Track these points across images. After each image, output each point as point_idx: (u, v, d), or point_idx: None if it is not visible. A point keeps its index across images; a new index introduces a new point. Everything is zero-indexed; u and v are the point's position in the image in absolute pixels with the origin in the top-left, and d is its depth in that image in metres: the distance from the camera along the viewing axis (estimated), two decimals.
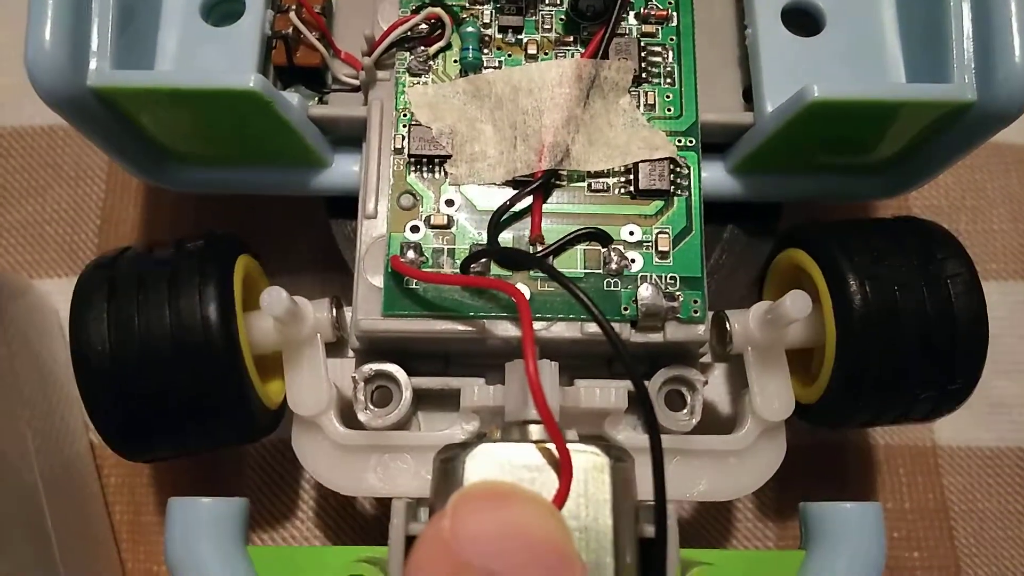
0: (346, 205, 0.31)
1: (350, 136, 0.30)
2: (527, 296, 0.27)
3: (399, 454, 0.27)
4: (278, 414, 0.29)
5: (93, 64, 0.26)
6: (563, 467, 0.22)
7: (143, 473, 0.35)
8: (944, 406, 0.28)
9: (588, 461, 0.23)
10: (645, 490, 0.24)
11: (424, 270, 0.27)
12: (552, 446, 0.23)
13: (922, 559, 0.35)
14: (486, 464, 0.23)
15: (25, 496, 0.30)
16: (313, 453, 0.27)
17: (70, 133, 0.39)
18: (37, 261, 0.38)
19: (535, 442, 0.23)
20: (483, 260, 0.27)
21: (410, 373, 0.28)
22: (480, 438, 0.27)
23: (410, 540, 0.24)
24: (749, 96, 0.30)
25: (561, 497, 0.22)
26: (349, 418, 0.28)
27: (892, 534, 0.35)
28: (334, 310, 0.28)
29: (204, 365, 0.25)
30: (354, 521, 0.34)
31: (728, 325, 0.28)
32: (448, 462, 0.24)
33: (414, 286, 0.27)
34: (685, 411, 0.28)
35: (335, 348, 0.29)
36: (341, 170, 0.31)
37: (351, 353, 0.29)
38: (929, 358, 0.27)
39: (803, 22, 0.30)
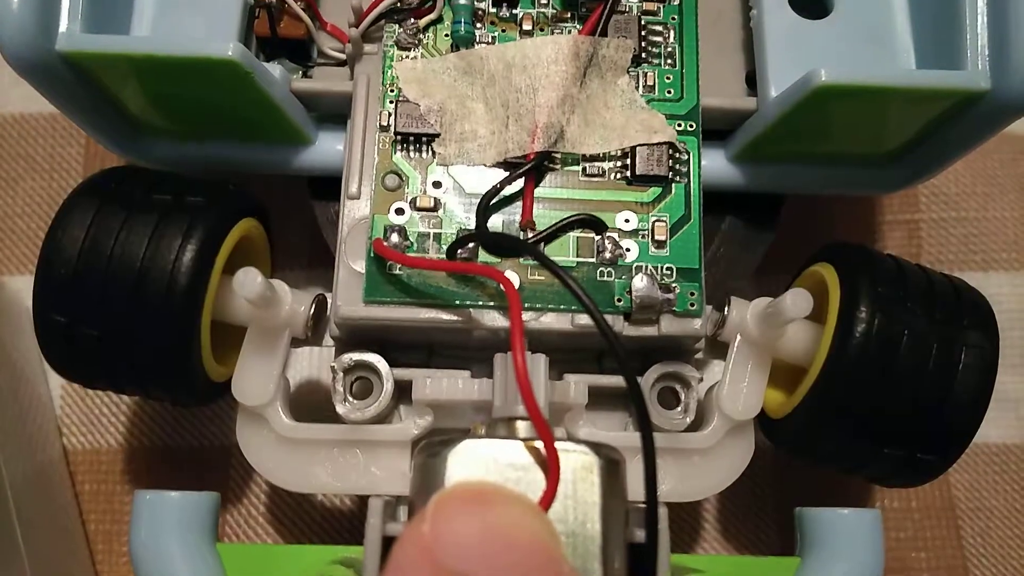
0: (330, 187, 0.29)
1: (335, 112, 0.29)
2: (516, 284, 0.26)
3: (349, 449, 0.26)
4: (221, 387, 0.28)
5: (63, 26, 0.25)
6: (550, 467, 0.21)
7: (119, 480, 0.34)
8: (904, 477, 0.27)
9: (577, 461, 0.22)
10: (634, 490, 0.23)
11: (408, 255, 0.26)
12: (540, 444, 0.21)
13: (928, 560, 0.34)
14: (469, 462, 0.22)
15: None
16: (257, 446, 0.26)
17: (44, 122, 0.37)
18: (7, 257, 0.36)
19: (522, 439, 0.22)
20: (471, 245, 0.26)
21: (392, 363, 0.27)
22: (464, 433, 0.26)
23: (388, 541, 0.23)
24: (752, 81, 0.29)
25: (548, 499, 0.21)
26: (299, 410, 0.27)
27: (898, 534, 0.34)
28: (313, 308, 0.26)
29: (159, 313, 0.24)
30: (342, 519, 0.33)
31: (727, 309, 0.27)
32: (429, 459, 0.22)
33: (398, 271, 0.26)
34: (679, 409, 0.27)
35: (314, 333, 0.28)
36: (325, 148, 0.29)
37: (330, 341, 0.27)
38: (910, 420, 0.25)
39: (810, 4, 0.29)
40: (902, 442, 0.25)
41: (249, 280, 0.24)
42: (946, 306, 0.26)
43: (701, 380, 0.27)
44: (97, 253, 0.25)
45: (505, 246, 0.26)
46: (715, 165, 0.29)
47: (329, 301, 0.27)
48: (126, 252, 0.24)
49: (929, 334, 0.25)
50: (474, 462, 0.22)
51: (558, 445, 0.21)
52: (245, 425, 0.27)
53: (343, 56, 0.29)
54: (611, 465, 0.22)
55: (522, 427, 0.23)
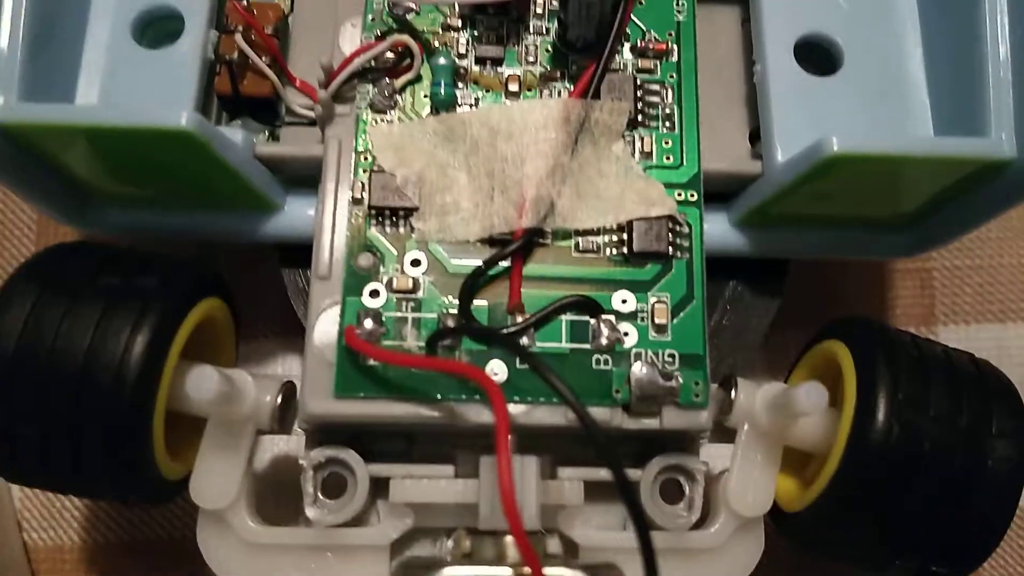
0: (301, 252, 0.27)
1: (306, 175, 0.27)
2: (504, 376, 0.24)
3: (320, 555, 0.24)
4: (180, 485, 0.25)
5: None
6: None
7: None
8: (954, 559, 0.25)
9: None
10: None
11: (383, 346, 0.24)
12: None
13: None
14: None
15: None
16: (219, 550, 0.24)
17: None
18: None
19: (512, 566, 0.20)
20: (452, 336, 0.24)
21: (367, 453, 0.24)
22: (449, 534, 0.24)
23: None
24: (756, 137, 0.28)
25: None
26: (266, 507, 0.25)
27: None
28: (279, 397, 0.24)
29: (106, 410, 0.22)
30: None
31: (733, 392, 0.25)
32: None
33: (372, 363, 0.24)
34: (682, 505, 0.25)
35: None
36: (294, 214, 0.27)
37: (299, 430, 0.25)
38: (929, 527, 0.23)
39: (818, 59, 0.28)
40: (917, 551, 0.24)
41: (205, 381, 0.22)
42: (971, 397, 0.24)
43: (707, 472, 0.25)
44: (37, 344, 0.22)
45: (487, 338, 0.24)
46: (718, 230, 0.28)
47: (298, 388, 0.25)
48: (69, 342, 0.22)
49: (954, 433, 0.23)
50: None
51: (550, 573, 0.20)
52: (206, 527, 0.25)
53: (314, 115, 0.27)
54: None
55: (511, 544, 0.22)
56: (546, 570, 0.19)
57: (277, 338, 0.32)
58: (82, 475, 0.23)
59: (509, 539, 0.21)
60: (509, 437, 0.20)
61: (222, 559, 0.24)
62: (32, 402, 0.22)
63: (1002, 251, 0.36)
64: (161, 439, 0.24)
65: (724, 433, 0.26)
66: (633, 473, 0.24)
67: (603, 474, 0.25)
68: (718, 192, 0.28)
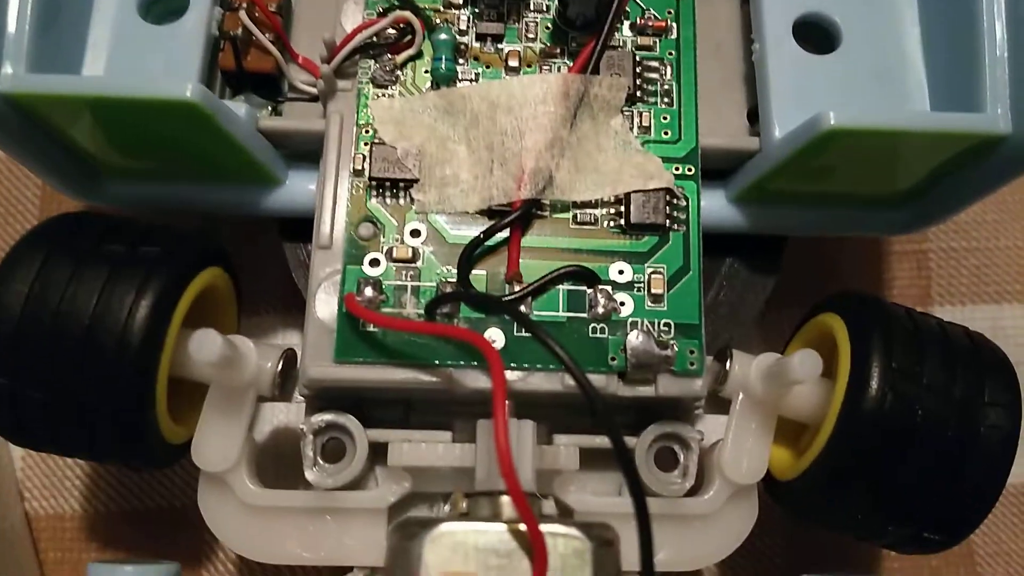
0: (302, 227, 0.27)
1: (307, 150, 0.27)
2: (501, 343, 0.24)
3: (319, 517, 0.24)
4: (181, 448, 0.26)
5: (7, 67, 0.23)
6: (536, 556, 0.20)
7: (85, 547, 0.31)
8: (912, 549, 0.26)
9: (567, 546, 0.20)
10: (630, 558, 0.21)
11: (383, 312, 0.24)
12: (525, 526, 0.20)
13: None
14: (447, 549, 0.20)
15: None
16: (220, 513, 0.25)
17: None
18: None
19: (507, 522, 0.20)
20: (451, 303, 0.24)
21: (367, 420, 0.25)
22: (446, 499, 0.24)
23: None
24: (754, 117, 0.28)
25: None
26: (265, 472, 0.25)
27: None
28: (280, 363, 0.25)
29: (110, 374, 0.23)
30: None
31: (728, 363, 0.25)
32: (404, 542, 0.21)
33: (372, 329, 0.24)
34: (677, 472, 0.25)
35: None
36: (296, 188, 0.28)
37: (299, 397, 0.26)
38: (921, 494, 0.24)
39: (816, 38, 0.28)
40: (910, 518, 0.24)
41: (208, 343, 0.22)
42: (965, 368, 0.24)
43: (701, 440, 0.25)
44: (42, 309, 0.23)
45: (485, 304, 0.24)
46: (715, 206, 0.28)
47: (298, 356, 0.25)
48: (74, 307, 0.23)
49: (947, 403, 0.23)
50: (452, 549, 0.20)
51: (545, 528, 0.20)
52: (207, 491, 0.25)
53: (315, 91, 0.27)
54: (603, 547, 0.21)
55: (507, 503, 0.22)
56: (541, 526, 0.20)
57: (278, 313, 0.33)
58: (87, 438, 0.24)
59: (505, 499, 0.21)
60: (506, 400, 0.21)
61: (222, 521, 0.25)
62: (38, 366, 0.23)
63: (998, 233, 0.36)
64: (164, 403, 0.24)
65: (720, 405, 0.26)
66: (628, 441, 0.24)
67: (599, 441, 0.25)
68: (716, 169, 0.28)
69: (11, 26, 0.23)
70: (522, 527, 0.20)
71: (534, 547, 0.20)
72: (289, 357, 0.25)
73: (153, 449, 0.24)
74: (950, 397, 0.23)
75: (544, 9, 0.27)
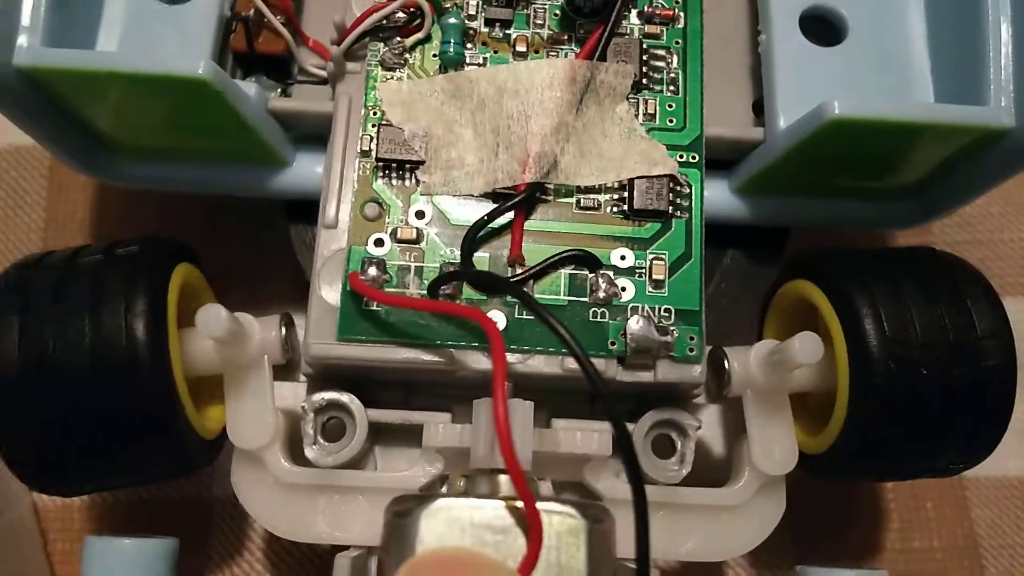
0: (308, 209, 0.28)
1: (315, 133, 0.27)
2: (502, 325, 0.24)
3: (351, 496, 0.25)
4: (217, 443, 0.26)
5: (22, 40, 0.24)
6: (532, 532, 0.20)
7: None
8: (968, 459, 0.26)
9: (562, 524, 0.20)
10: (627, 544, 0.21)
11: (386, 291, 0.24)
12: (522, 504, 0.20)
13: None
14: (443, 524, 0.20)
15: None
16: (254, 492, 0.25)
17: (6, 157, 0.35)
18: None
19: (503, 499, 0.20)
20: (454, 282, 0.24)
21: (368, 402, 0.25)
22: (442, 481, 0.25)
23: None
24: (760, 109, 0.28)
25: (528, 566, 0.19)
26: (299, 450, 0.25)
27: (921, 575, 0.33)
28: (283, 328, 0.25)
29: (128, 388, 0.22)
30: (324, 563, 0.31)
31: (726, 364, 0.25)
32: (400, 517, 0.21)
33: (375, 308, 0.24)
34: (674, 459, 0.25)
35: (286, 369, 0.26)
36: (302, 171, 0.28)
37: (302, 377, 0.26)
38: (953, 408, 0.24)
39: (823, 30, 0.28)
40: (936, 456, 0.25)
41: (214, 316, 0.22)
42: (942, 287, 0.25)
43: (699, 428, 0.25)
44: (40, 350, 0.22)
45: (490, 284, 0.24)
46: (718, 197, 0.28)
47: (300, 333, 0.25)
48: (70, 331, 0.22)
49: (946, 352, 0.24)
50: (448, 524, 0.20)
51: (541, 506, 0.20)
52: (242, 469, 0.25)
53: (324, 74, 0.27)
54: (598, 526, 0.21)
55: (504, 481, 0.22)
56: (538, 504, 0.20)
57: (283, 296, 0.32)
58: (129, 465, 0.24)
59: (502, 477, 0.22)
60: (505, 380, 0.21)
61: (256, 499, 0.25)
62: (54, 410, 0.22)
63: (1003, 226, 0.36)
64: (190, 403, 0.24)
65: (734, 406, 0.26)
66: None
67: (596, 426, 0.25)
68: (720, 159, 0.28)
69: (27, 1, 0.24)
70: (518, 504, 0.20)
71: (530, 524, 0.20)
72: (287, 320, 0.26)
73: (193, 451, 0.24)
74: (946, 345, 0.24)
75: None
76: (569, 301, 0.25)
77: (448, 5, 0.27)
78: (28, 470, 0.23)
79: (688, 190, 0.26)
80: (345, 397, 0.25)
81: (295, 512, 0.24)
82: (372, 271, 0.24)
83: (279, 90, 0.28)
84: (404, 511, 0.21)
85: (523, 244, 0.25)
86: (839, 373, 0.24)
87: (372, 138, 0.26)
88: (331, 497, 0.24)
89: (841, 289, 0.25)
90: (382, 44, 0.27)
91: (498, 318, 0.24)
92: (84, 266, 0.24)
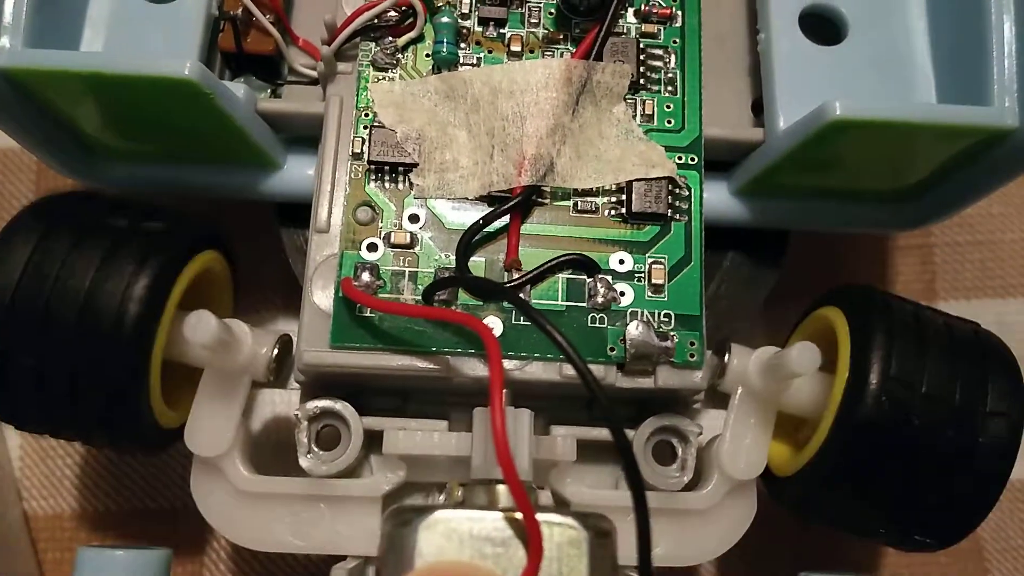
0: (299, 212, 0.28)
1: (306, 135, 0.27)
2: (499, 331, 0.24)
3: (312, 505, 0.24)
4: (170, 435, 0.26)
5: (3, 41, 0.23)
6: (531, 544, 0.20)
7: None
8: (912, 545, 0.25)
9: (563, 535, 0.20)
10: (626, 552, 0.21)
11: (380, 297, 0.24)
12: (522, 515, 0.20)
13: None
14: (442, 536, 0.20)
15: None
16: (212, 499, 0.25)
17: None
18: None
19: (502, 510, 0.20)
20: (449, 288, 0.24)
21: (362, 409, 0.25)
22: (440, 489, 0.24)
23: None
24: (759, 109, 0.28)
25: None
26: (263, 458, 0.25)
27: None
28: (276, 350, 0.25)
29: (104, 352, 0.23)
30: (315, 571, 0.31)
31: (727, 357, 0.25)
32: (398, 528, 0.21)
33: (368, 314, 0.24)
34: (675, 466, 0.25)
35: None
36: (293, 173, 0.28)
37: (295, 384, 0.26)
38: (934, 470, 0.23)
39: (823, 29, 0.28)
40: (903, 521, 0.24)
41: (202, 324, 0.22)
42: (968, 374, 0.24)
43: (700, 434, 0.25)
44: (39, 281, 0.23)
45: (484, 290, 0.24)
46: (717, 199, 0.28)
47: (294, 342, 0.25)
48: (70, 283, 0.23)
49: (946, 412, 0.23)
50: (447, 536, 0.20)
51: (541, 518, 0.20)
52: (200, 476, 0.25)
53: (315, 74, 0.27)
54: (600, 538, 0.21)
55: (503, 492, 0.22)
56: (537, 515, 0.20)
57: (276, 300, 0.33)
58: (77, 416, 0.24)
59: (501, 488, 0.21)
60: (503, 390, 0.20)
61: (214, 507, 0.25)
62: (30, 338, 0.23)
63: (1004, 227, 0.36)
64: (157, 385, 0.24)
65: (720, 400, 0.26)
66: (627, 434, 0.24)
67: (595, 433, 0.25)
68: (719, 161, 0.28)
69: (9, 1, 0.23)
70: (518, 516, 0.20)
71: (530, 536, 0.20)
72: (285, 343, 0.25)
73: (144, 432, 0.24)
74: (949, 405, 0.23)
75: None
76: (567, 306, 0.24)
77: (441, 4, 0.27)
78: None
79: (687, 192, 0.26)
80: (339, 405, 0.24)
81: (255, 520, 0.25)
82: (365, 277, 0.24)
83: (269, 91, 0.28)
84: (402, 522, 0.21)
85: (519, 248, 0.25)
86: (832, 399, 0.24)
87: (364, 140, 0.25)
88: (291, 505, 0.24)
89: (865, 322, 0.24)
90: (374, 44, 0.26)
91: (495, 324, 0.24)
92: (112, 224, 0.24)
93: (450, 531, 0.20)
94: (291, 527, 0.24)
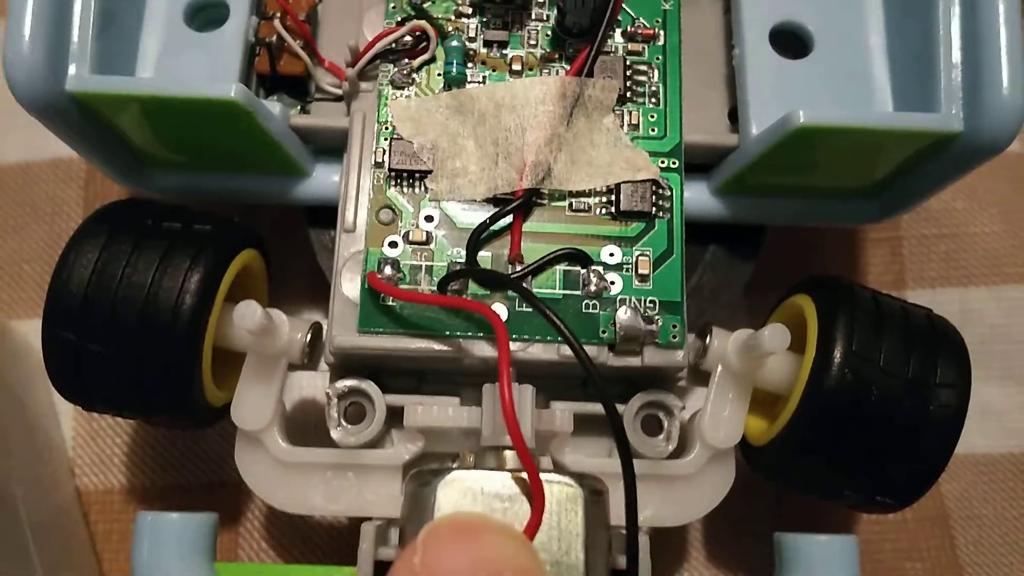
0: (326, 214, 0.30)
1: (332, 146, 0.30)
2: (504, 317, 0.26)
3: (342, 473, 0.27)
4: (218, 412, 0.28)
5: (72, 68, 0.26)
6: (535, 499, 0.22)
7: (132, 519, 0.33)
8: (874, 506, 0.27)
9: (562, 492, 0.23)
10: (617, 514, 0.24)
11: (401, 288, 0.26)
12: (526, 475, 0.22)
13: (924, 570, 0.34)
14: (458, 493, 0.23)
15: (15, 548, 0.29)
16: (254, 468, 0.27)
17: (45, 169, 0.38)
18: (15, 301, 0.36)
19: (510, 471, 0.23)
20: (461, 279, 0.27)
21: (384, 390, 0.27)
22: (453, 458, 0.27)
23: (379, 565, 0.24)
24: (735, 116, 0.30)
25: (532, 529, 0.22)
26: (295, 434, 0.27)
27: (894, 544, 0.34)
28: (310, 336, 0.27)
29: (163, 339, 0.25)
30: (341, 539, 0.33)
31: (708, 339, 0.28)
32: (420, 488, 0.23)
33: (391, 303, 0.27)
34: (662, 436, 0.28)
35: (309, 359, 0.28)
36: (322, 180, 0.30)
37: (325, 366, 0.28)
38: (892, 436, 0.25)
39: (791, 44, 0.30)
40: (865, 484, 0.26)
41: (249, 312, 0.25)
42: (921, 351, 0.26)
43: (683, 408, 0.28)
44: (108, 278, 0.25)
45: (492, 281, 0.27)
46: (698, 197, 0.30)
47: (325, 329, 0.28)
48: (135, 278, 0.25)
49: (901, 383, 0.25)
50: (462, 493, 0.23)
51: (543, 477, 0.22)
52: (244, 449, 0.27)
53: (340, 92, 0.30)
54: (594, 495, 0.23)
55: (510, 457, 0.24)
56: (540, 475, 0.22)
57: (304, 294, 0.35)
58: (139, 396, 0.26)
59: (508, 453, 0.24)
60: (510, 369, 0.23)
61: (256, 476, 0.27)
62: (101, 327, 0.25)
63: (967, 221, 0.37)
64: (208, 369, 0.26)
65: (702, 378, 0.28)
66: (618, 409, 0.27)
67: (590, 408, 0.27)
68: (700, 163, 0.30)
69: (75, 32, 0.26)
70: (523, 476, 0.22)
71: (533, 492, 0.22)
72: (316, 330, 0.28)
73: (197, 409, 0.27)
74: (904, 378, 0.25)
75: (544, 19, 0.29)
76: (564, 294, 0.27)
77: (451, 29, 0.29)
78: (59, 371, 0.26)
79: (669, 193, 0.28)
80: (365, 384, 0.27)
81: (292, 487, 0.27)
82: (388, 270, 0.26)
83: (299, 107, 0.30)
84: (423, 483, 0.23)
85: (522, 244, 0.27)
86: (800, 375, 0.26)
87: (385, 150, 0.28)
88: (324, 473, 0.27)
89: (831, 307, 0.26)
90: (392, 65, 0.29)
91: (501, 310, 0.26)
92: (166, 227, 0.26)
93: (465, 489, 0.22)
94: (323, 493, 0.26)
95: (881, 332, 0.26)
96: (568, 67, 0.29)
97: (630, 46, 0.29)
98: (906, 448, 0.25)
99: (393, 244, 0.27)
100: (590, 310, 0.27)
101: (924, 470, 0.26)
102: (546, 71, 0.29)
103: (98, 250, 0.25)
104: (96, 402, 0.27)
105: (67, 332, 0.25)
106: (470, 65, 0.29)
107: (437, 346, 0.26)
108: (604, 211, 0.28)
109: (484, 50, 0.29)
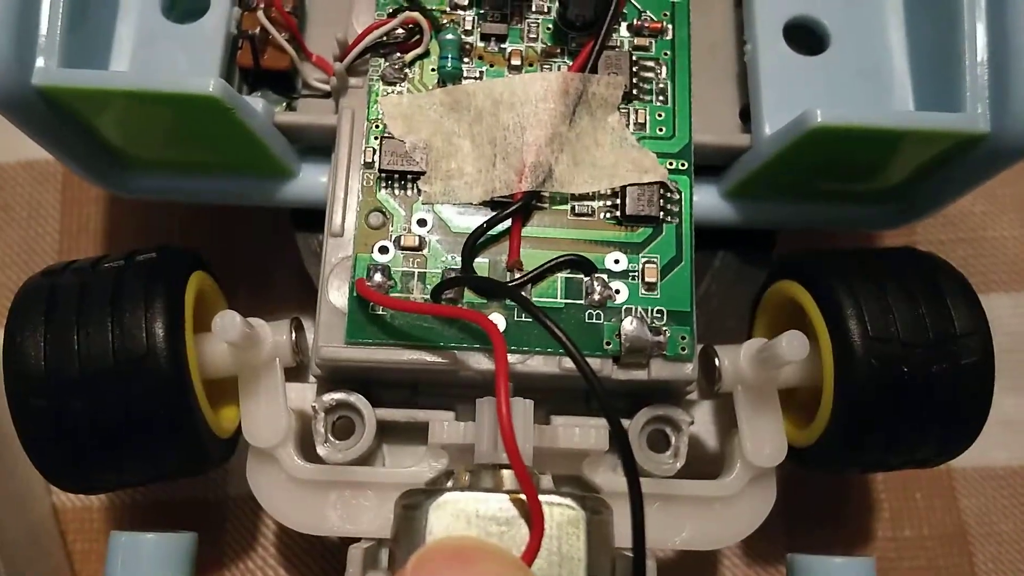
0: (313, 217, 0.29)
1: (319, 145, 0.28)
2: (502, 327, 0.25)
3: (361, 491, 0.26)
4: (232, 443, 0.27)
5: (40, 61, 0.25)
6: (534, 523, 0.21)
7: None
8: (948, 452, 0.27)
9: (562, 515, 0.21)
10: (624, 534, 0.22)
11: (392, 296, 0.25)
12: (524, 496, 0.21)
13: None
14: (450, 516, 0.21)
15: None
16: (269, 487, 0.26)
17: (20, 171, 0.37)
18: None
19: (506, 492, 0.22)
20: (456, 287, 0.25)
21: (374, 402, 0.26)
22: (447, 476, 0.26)
23: None
24: (746, 116, 0.29)
25: (531, 554, 0.20)
26: (310, 448, 0.26)
27: (912, 563, 0.34)
28: (293, 333, 0.26)
29: (148, 390, 0.23)
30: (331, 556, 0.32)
31: (717, 362, 0.26)
32: (410, 509, 0.22)
33: (381, 312, 0.25)
34: (669, 453, 0.26)
35: (294, 371, 0.27)
36: (308, 181, 0.29)
37: (312, 378, 0.27)
38: (933, 400, 0.25)
39: (806, 40, 0.29)
40: (915, 450, 0.26)
41: (228, 322, 0.23)
42: (931, 307, 0.25)
43: (692, 423, 0.27)
44: (63, 350, 0.23)
45: (488, 289, 0.25)
46: (708, 201, 0.29)
47: (306, 329, 0.27)
48: (92, 334, 0.23)
49: (926, 350, 0.25)
50: (455, 516, 0.21)
51: (543, 498, 0.21)
52: (255, 466, 0.26)
53: (328, 88, 0.29)
54: (597, 517, 0.22)
55: (507, 476, 0.23)
56: (539, 496, 0.21)
57: (290, 302, 0.33)
58: (148, 460, 0.25)
59: (505, 472, 0.23)
60: (508, 382, 0.22)
61: (270, 495, 0.26)
62: (71, 401, 0.23)
63: (985, 225, 0.37)
64: (206, 403, 0.25)
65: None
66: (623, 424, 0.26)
67: (593, 423, 0.26)
68: (710, 165, 0.29)
69: (44, 24, 0.25)
70: (521, 497, 0.21)
71: (532, 515, 0.21)
72: (296, 324, 0.27)
73: (209, 449, 0.25)
74: (926, 343, 0.25)
75: (545, 11, 0.28)
76: (566, 304, 0.26)
77: (445, 21, 0.28)
78: (51, 467, 0.24)
79: (678, 196, 0.27)
80: (354, 397, 0.26)
81: (308, 507, 0.25)
82: (377, 277, 0.25)
83: (284, 104, 0.29)
84: (413, 504, 0.22)
85: (521, 250, 0.26)
86: (824, 370, 0.25)
87: (375, 150, 0.27)
88: (342, 492, 0.25)
89: (826, 290, 0.26)
90: (383, 59, 0.28)
91: (498, 321, 0.25)
92: (105, 272, 0.25)
93: (458, 511, 0.21)
94: (341, 513, 0.25)
95: (886, 301, 0.25)
96: (570, 62, 0.28)
97: (636, 40, 0.28)
98: (947, 405, 0.25)
99: (383, 249, 0.26)
100: (593, 320, 0.26)
101: (969, 421, 0.26)
102: (547, 66, 0.28)
103: (40, 336, 0.23)
104: (102, 482, 0.26)
105: (42, 423, 0.23)
106: (466, 60, 0.28)
107: (430, 358, 0.25)
108: (609, 215, 0.27)
109: (481, 44, 0.28)
